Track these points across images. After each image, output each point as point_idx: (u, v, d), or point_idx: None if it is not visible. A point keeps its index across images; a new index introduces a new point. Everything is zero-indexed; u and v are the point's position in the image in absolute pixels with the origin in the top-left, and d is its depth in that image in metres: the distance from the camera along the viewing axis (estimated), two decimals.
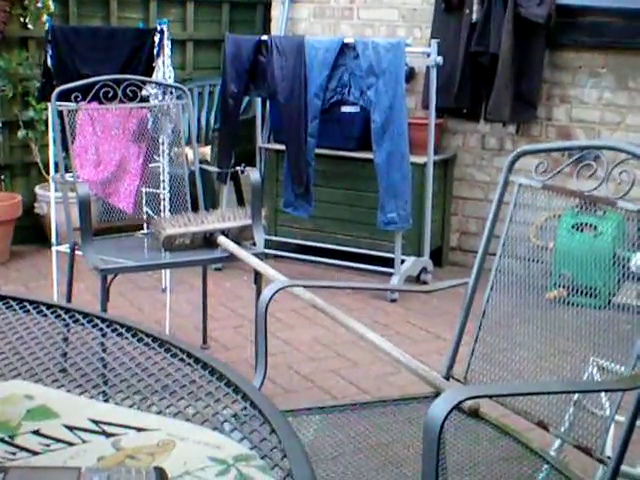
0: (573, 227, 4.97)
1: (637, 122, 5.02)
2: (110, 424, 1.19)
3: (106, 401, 1.33)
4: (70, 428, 1.18)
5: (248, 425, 1.25)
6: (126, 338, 1.55)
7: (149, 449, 1.12)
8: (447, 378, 2.34)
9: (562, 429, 2.11)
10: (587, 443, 1.97)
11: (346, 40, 4.94)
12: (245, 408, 1.30)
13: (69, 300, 3.74)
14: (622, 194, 2.06)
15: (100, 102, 3.87)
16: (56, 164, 4.19)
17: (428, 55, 5.02)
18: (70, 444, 1.14)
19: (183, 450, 1.12)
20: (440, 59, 4.98)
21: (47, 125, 4.80)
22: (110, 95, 3.85)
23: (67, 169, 4.01)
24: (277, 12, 6.06)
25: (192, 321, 4.33)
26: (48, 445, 1.13)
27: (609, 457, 1.88)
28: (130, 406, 1.30)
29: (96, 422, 1.19)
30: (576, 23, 5.11)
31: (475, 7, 5.20)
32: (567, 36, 5.14)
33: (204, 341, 4.13)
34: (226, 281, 5.05)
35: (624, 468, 1.97)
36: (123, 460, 1.10)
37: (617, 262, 2.22)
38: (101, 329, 1.59)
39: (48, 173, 4.81)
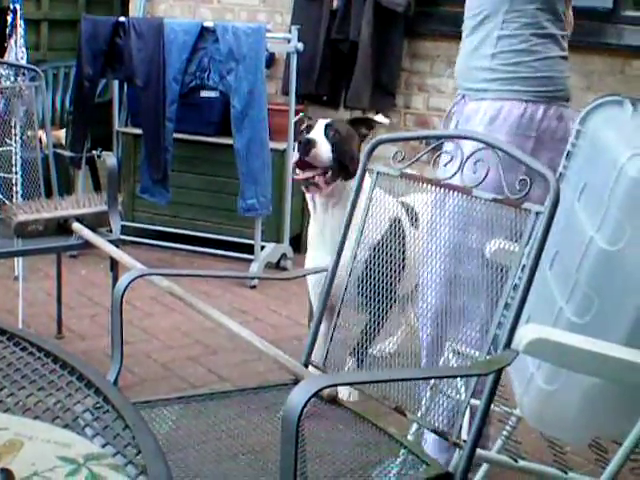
0: None
1: None
2: None
3: None
4: None
5: (101, 421, 1.22)
6: None
7: None
8: (306, 365, 2.34)
9: (419, 414, 2.14)
10: (443, 427, 2.01)
11: (206, 24, 4.89)
12: (98, 403, 1.26)
13: None
14: (477, 183, 2.09)
15: None
16: None
17: (288, 41, 5.01)
18: None
19: (31, 450, 1.08)
20: (300, 45, 4.97)
21: None
22: None
23: None
24: None
25: (46, 310, 4.21)
26: None
27: (465, 441, 1.91)
28: None
29: None
30: (435, 13, 5.20)
31: None
32: (426, 25, 5.21)
33: (59, 331, 4.02)
34: (82, 268, 4.93)
35: (480, 451, 2.01)
36: None
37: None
38: None
39: None
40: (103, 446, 1.13)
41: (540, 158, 2.32)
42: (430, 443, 2.51)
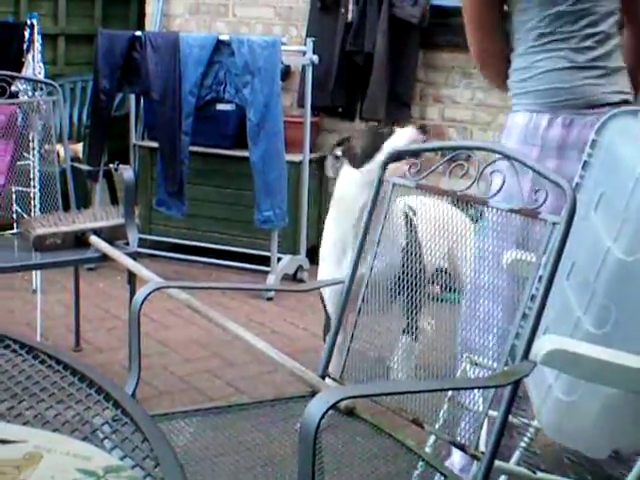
0: None
1: None
2: None
3: None
4: None
5: (120, 433, 1.22)
6: None
7: (15, 462, 1.07)
8: (323, 377, 2.34)
9: (437, 426, 2.13)
10: (461, 439, 2.00)
11: (221, 37, 4.91)
12: (116, 415, 1.26)
13: None
14: (493, 193, 2.09)
15: None
16: None
17: (304, 54, 5.03)
18: None
19: (51, 462, 1.08)
20: (316, 58, 4.99)
21: None
22: None
23: None
24: (151, 8, 5.97)
25: (64, 323, 4.22)
26: None
27: (483, 452, 1.90)
28: None
29: None
30: (449, 24, 5.19)
31: (350, 7, 5.24)
32: (441, 37, 5.22)
33: (77, 343, 4.03)
34: (99, 281, 4.95)
35: (498, 463, 2.00)
36: None
37: None
38: None
39: None
40: (122, 458, 1.13)
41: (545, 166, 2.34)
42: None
